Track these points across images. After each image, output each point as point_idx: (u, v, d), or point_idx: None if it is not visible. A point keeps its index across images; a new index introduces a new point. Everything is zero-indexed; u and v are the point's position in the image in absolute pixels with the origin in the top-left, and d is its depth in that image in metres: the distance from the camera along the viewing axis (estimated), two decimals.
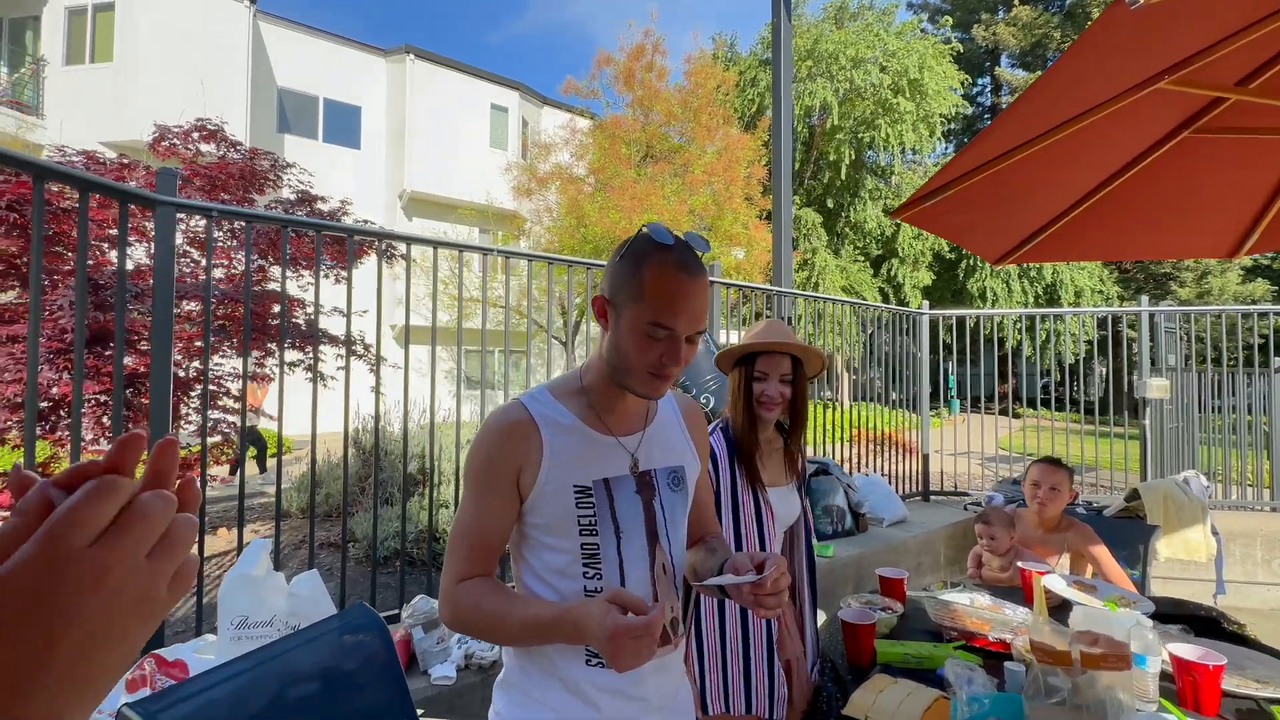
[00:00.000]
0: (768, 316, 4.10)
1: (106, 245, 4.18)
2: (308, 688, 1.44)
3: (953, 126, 22.16)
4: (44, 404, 3.33)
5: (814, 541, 2.85)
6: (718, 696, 1.49)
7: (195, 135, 4.52)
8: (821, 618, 2.00)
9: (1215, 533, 3.12)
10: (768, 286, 3.83)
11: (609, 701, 0.93)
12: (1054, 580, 1.90)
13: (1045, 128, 1.94)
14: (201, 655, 1.93)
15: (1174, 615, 1.84)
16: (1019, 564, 2.09)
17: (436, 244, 2.59)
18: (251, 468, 7.76)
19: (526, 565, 0.97)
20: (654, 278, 0.87)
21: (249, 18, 12.43)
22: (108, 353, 3.37)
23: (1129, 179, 2.37)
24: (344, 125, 14.26)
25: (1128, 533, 2.77)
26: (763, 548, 1.53)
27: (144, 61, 11.43)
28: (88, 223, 1.75)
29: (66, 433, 3.68)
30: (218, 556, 4.00)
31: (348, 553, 4.04)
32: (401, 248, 4.86)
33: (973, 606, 1.85)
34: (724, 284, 3.67)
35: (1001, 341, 18.65)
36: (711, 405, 2.69)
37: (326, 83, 13.95)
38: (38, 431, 3.46)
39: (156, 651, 1.88)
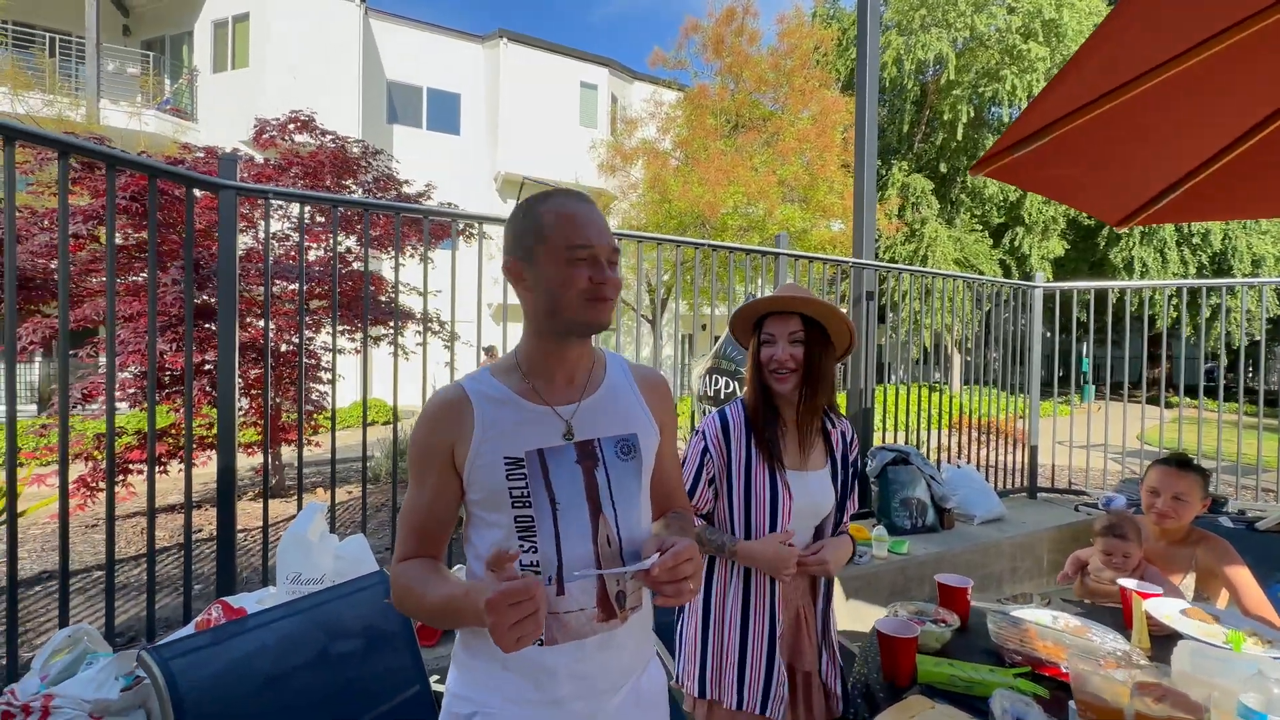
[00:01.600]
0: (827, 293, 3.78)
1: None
2: (322, 645, 1.50)
3: None
4: (163, 375, 3.76)
5: (884, 539, 2.60)
6: (715, 683, 1.40)
7: (291, 127, 4.89)
8: (873, 618, 1.81)
9: None
10: (838, 258, 3.53)
11: (547, 680, 0.89)
12: (1161, 605, 1.57)
13: (1181, 46, 1.54)
14: (262, 605, 2.10)
15: None
16: (1120, 582, 1.76)
17: (483, 219, 2.60)
18: None
19: (470, 546, 0.95)
20: (552, 214, 0.90)
21: (360, 16, 13.31)
22: (208, 326, 3.75)
23: None
24: (445, 113, 14.96)
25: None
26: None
27: (273, 64, 12.63)
28: (157, 203, 1.90)
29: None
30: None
31: (395, 517, 4.26)
32: (483, 226, 5.02)
33: (1052, 627, 1.58)
34: (792, 255, 3.42)
35: (1152, 320, 16.28)
36: None
37: (429, 72, 14.68)
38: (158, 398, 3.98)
39: (224, 599, 2.06)
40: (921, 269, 4.01)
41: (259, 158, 5.02)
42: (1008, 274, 15.81)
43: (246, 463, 5.76)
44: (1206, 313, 5.34)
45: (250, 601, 2.11)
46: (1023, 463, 4.16)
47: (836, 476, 1.44)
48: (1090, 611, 1.79)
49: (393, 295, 4.94)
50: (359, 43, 13.29)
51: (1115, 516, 2.02)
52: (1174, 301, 11.11)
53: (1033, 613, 1.68)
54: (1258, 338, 14.73)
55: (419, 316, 4.61)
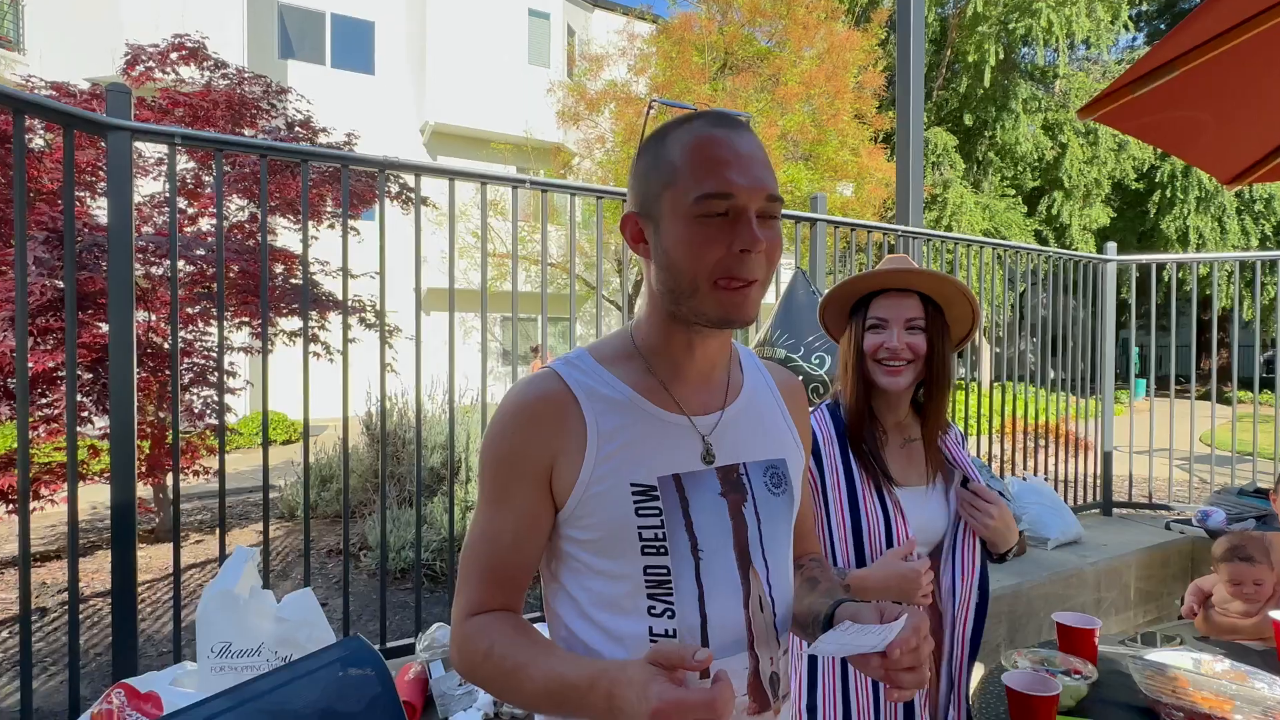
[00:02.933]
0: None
1: (88, 196, 4.37)
2: None
3: (1144, 8, 20.17)
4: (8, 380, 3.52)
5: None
6: None
7: (174, 56, 4.63)
8: (975, 674, 1.79)
9: None
10: (889, 225, 3.53)
11: None
12: None
13: None
14: (178, 687, 1.95)
15: None
16: (1272, 614, 1.79)
17: (454, 175, 2.49)
18: None
19: (566, 597, 0.85)
20: (687, 146, 0.76)
21: None
22: (82, 317, 3.51)
23: None
24: (355, 46, 14.55)
25: None
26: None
27: None
28: (25, 150, 1.73)
29: (45, 410, 3.90)
30: (212, 563, 4.19)
31: (359, 564, 4.13)
32: (430, 193, 4.85)
33: (1202, 673, 1.59)
34: (832, 222, 3.40)
35: (1208, 301, 17.09)
36: (826, 366, 2.49)
37: None
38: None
39: (127, 681, 1.90)
40: (989, 240, 4.03)
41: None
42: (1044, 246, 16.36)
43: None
44: (1270, 292, 5.59)
45: (161, 683, 1.96)
46: (1092, 473, 4.26)
47: (948, 496, 1.42)
48: (1232, 652, 1.81)
49: (315, 278, 4.73)
50: None
51: (1239, 537, 2.06)
52: (1233, 276, 11.64)
53: (1171, 655, 1.70)
54: None
55: (358, 305, 4.43)
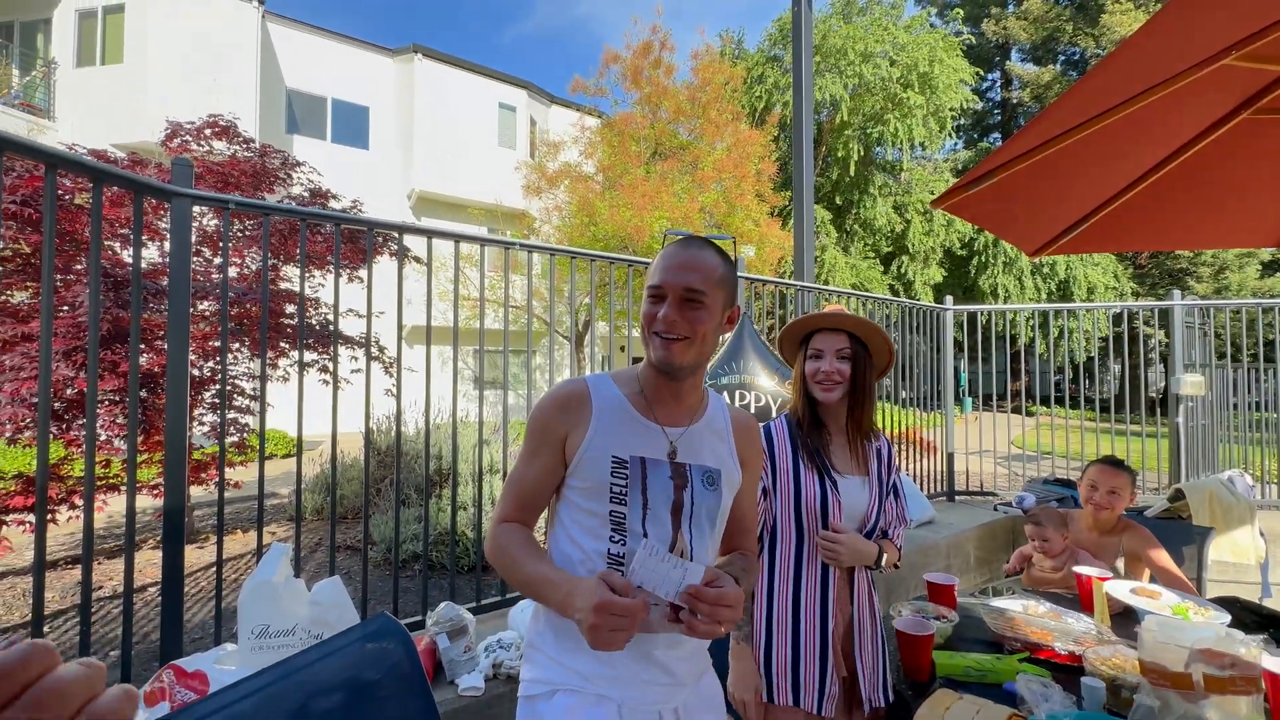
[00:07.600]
0: (780, 315, 3.97)
1: (119, 244, 4.13)
2: (330, 702, 1.36)
3: (963, 121, 21.97)
4: (58, 404, 3.27)
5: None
6: (783, 688, 1.42)
7: (208, 132, 4.45)
8: None
9: (1262, 534, 2.99)
10: (788, 281, 3.74)
11: (626, 664, 0.98)
12: (1117, 586, 1.80)
13: (1098, 110, 1.83)
14: (222, 666, 1.86)
15: (1253, 621, 1.74)
16: (1075, 569, 1.98)
17: (458, 238, 2.51)
18: None
19: (560, 524, 1.05)
20: (657, 258, 1.02)
21: (258, 18, 12.40)
22: (126, 350, 3.30)
23: (1182, 164, 2.26)
24: (352, 126, 14.21)
25: (1174, 534, 2.64)
26: None
27: (154, 63, 11.43)
28: (102, 217, 1.67)
29: (81, 432, 3.63)
30: (233, 560, 3.93)
31: (367, 557, 3.92)
32: (417, 248, 4.81)
33: (1029, 614, 1.75)
34: (747, 278, 3.57)
35: (1014, 339, 18.53)
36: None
37: (334, 83, 13.90)
38: (53, 431, 3.42)
39: (175, 662, 1.80)
40: (864, 293, 4.30)
41: (158, 163, 4.51)
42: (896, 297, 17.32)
43: (145, 504, 5.00)
44: (1055, 332, 6.17)
45: (206, 663, 1.86)
46: (940, 469, 4.55)
47: (872, 486, 1.49)
48: (1050, 599, 1.99)
49: (328, 318, 4.59)
50: (256, 46, 12.35)
51: (1037, 510, 2.26)
52: (1030, 322, 12.73)
53: (1006, 602, 1.86)
54: (1094, 354, 17.16)
55: (358, 340, 4.32)
